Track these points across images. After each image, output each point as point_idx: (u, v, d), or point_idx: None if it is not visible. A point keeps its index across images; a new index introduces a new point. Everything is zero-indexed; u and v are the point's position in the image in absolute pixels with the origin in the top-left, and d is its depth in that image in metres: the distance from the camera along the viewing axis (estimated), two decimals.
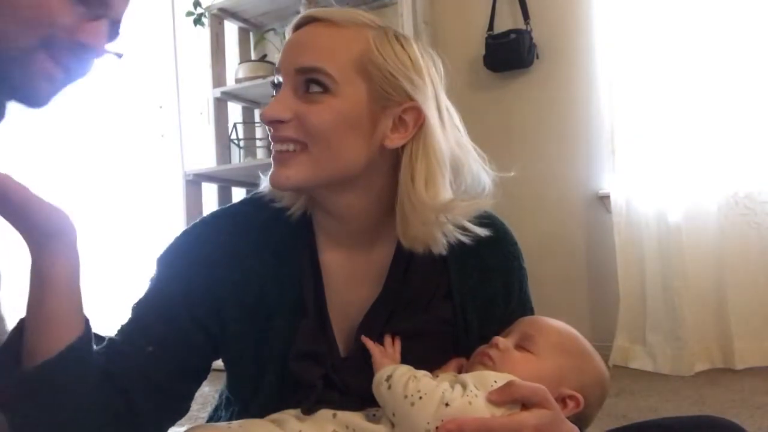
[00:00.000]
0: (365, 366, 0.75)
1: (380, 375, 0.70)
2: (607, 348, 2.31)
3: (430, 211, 0.71)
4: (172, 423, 0.77)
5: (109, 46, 0.68)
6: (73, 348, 0.63)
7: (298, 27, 0.74)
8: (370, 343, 0.76)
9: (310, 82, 0.69)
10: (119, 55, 0.70)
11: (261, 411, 0.75)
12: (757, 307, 2.18)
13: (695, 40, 2.26)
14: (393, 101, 0.71)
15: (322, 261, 0.80)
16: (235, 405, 0.83)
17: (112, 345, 0.72)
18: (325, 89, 0.69)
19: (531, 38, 2.53)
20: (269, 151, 2.93)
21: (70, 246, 0.64)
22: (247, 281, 0.76)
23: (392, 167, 0.74)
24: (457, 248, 0.79)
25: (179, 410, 0.77)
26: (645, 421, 0.76)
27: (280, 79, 0.72)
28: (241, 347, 0.77)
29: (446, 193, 0.72)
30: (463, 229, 0.76)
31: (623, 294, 2.33)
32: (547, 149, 2.56)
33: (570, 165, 2.54)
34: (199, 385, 0.79)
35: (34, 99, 0.67)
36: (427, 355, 0.77)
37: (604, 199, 2.45)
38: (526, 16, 2.56)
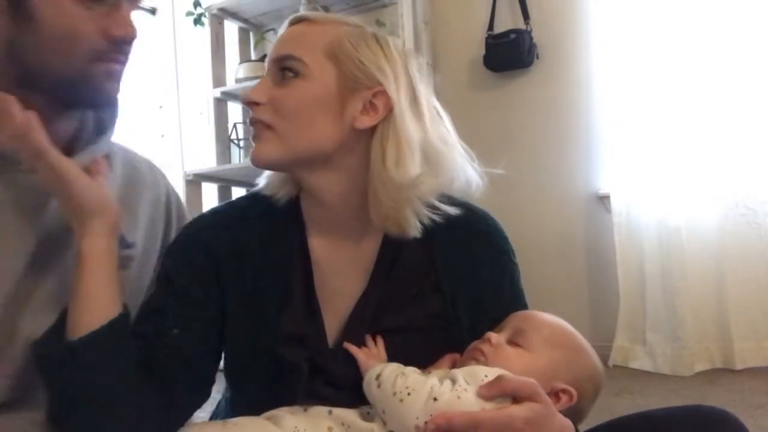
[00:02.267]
0: (352, 358, 0.76)
1: (370, 375, 0.71)
2: (607, 348, 2.31)
3: (399, 188, 0.74)
4: (198, 406, 0.81)
5: (141, 6, 0.77)
6: (112, 326, 0.70)
7: (286, 29, 0.82)
8: (353, 349, 0.77)
9: (284, 69, 0.76)
10: (153, 11, 0.79)
11: (254, 399, 0.77)
12: (757, 308, 2.18)
13: (694, 40, 2.26)
14: (362, 85, 0.75)
15: (311, 250, 0.82)
16: (229, 392, 0.85)
17: (138, 332, 0.76)
18: (297, 73, 0.75)
19: (531, 38, 2.53)
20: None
21: (109, 227, 0.73)
22: (244, 270, 0.80)
23: (365, 151, 0.77)
24: (445, 241, 0.81)
25: (204, 392, 0.81)
26: (633, 414, 0.76)
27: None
28: (237, 333, 0.79)
29: (415, 171, 0.75)
30: (434, 208, 0.78)
31: (623, 294, 2.33)
32: (547, 149, 2.56)
33: (570, 165, 2.54)
34: (218, 365, 0.82)
35: (107, 100, 0.78)
36: (419, 351, 0.78)
37: (604, 199, 2.45)
38: (526, 16, 2.56)
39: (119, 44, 0.75)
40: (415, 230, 0.77)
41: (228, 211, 0.87)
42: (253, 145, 0.79)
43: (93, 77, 0.74)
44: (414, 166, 0.75)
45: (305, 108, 0.75)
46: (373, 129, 0.76)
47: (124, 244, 0.82)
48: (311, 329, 0.79)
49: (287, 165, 0.78)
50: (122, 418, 0.70)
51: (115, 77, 0.77)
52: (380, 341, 0.79)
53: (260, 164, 0.79)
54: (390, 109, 0.75)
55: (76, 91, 0.75)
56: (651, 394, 1.94)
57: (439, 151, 0.78)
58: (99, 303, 0.71)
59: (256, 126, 0.78)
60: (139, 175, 0.91)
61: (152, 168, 0.97)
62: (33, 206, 0.75)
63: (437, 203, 0.78)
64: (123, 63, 0.78)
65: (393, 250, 0.81)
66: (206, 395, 0.82)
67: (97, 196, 0.73)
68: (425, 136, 0.77)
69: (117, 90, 0.78)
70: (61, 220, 0.76)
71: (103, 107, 0.81)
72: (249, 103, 0.77)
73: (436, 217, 0.78)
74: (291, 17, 0.82)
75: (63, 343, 0.69)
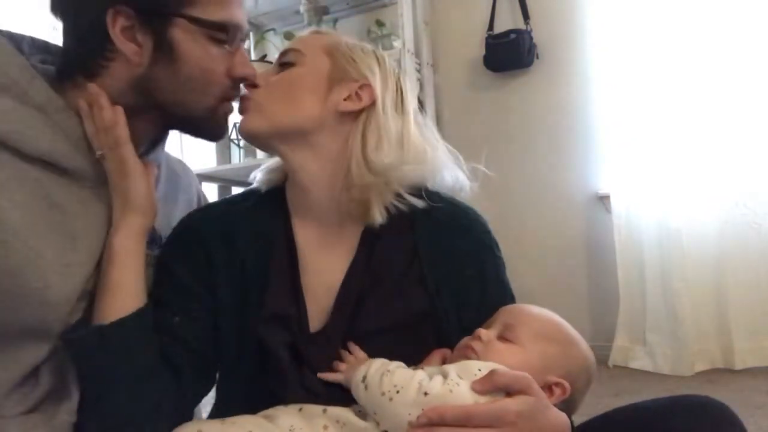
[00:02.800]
0: (333, 345, 0.79)
1: (356, 378, 0.71)
2: (607, 348, 2.31)
3: (372, 172, 0.79)
4: (206, 392, 0.85)
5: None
6: (139, 315, 0.75)
7: None
8: (331, 376, 0.78)
9: (283, 63, 0.84)
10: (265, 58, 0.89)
11: (243, 392, 0.80)
12: (757, 308, 2.18)
13: (694, 40, 2.25)
14: (351, 78, 0.82)
15: (296, 236, 0.85)
16: (220, 383, 0.87)
17: None
18: (293, 63, 0.83)
19: (531, 38, 2.53)
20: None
21: (145, 228, 0.79)
22: (232, 257, 0.83)
23: (346, 137, 0.82)
24: (428, 235, 0.84)
25: (210, 378, 0.85)
26: (627, 405, 0.76)
27: None
28: (225, 320, 0.82)
29: (392, 158, 0.80)
30: (400, 197, 0.82)
31: (623, 294, 2.33)
32: (547, 149, 2.56)
33: (570, 165, 2.54)
34: (221, 355, 0.83)
35: (222, 134, 0.86)
36: (405, 349, 0.78)
37: (604, 199, 2.45)
38: (526, 16, 2.56)
39: (239, 83, 0.82)
40: (379, 217, 0.80)
41: (222, 205, 0.93)
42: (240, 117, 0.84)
43: (218, 115, 0.82)
44: (390, 154, 0.80)
45: (292, 86, 0.81)
46: (356, 118, 0.82)
47: (160, 243, 0.87)
48: (293, 310, 0.81)
49: (270, 136, 0.82)
50: (145, 400, 0.74)
51: (230, 114, 0.85)
52: (356, 348, 0.80)
53: (245, 134, 0.83)
54: (373, 102, 0.82)
55: (200, 126, 0.82)
56: (651, 394, 1.93)
57: (417, 146, 0.83)
58: (128, 294, 0.75)
59: (243, 99, 0.83)
60: (176, 177, 0.96)
61: (185, 169, 1.03)
62: (102, 216, 0.79)
63: (405, 194, 0.82)
64: (236, 100, 0.84)
65: (372, 241, 0.83)
66: (212, 381, 0.85)
67: (145, 196, 0.78)
68: (405, 131, 0.83)
69: (227, 126, 0.86)
70: None
71: (209, 139, 0.88)
72: (249, 86, 0.83)
73: (402, 207, 0.82)
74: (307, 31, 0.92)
75: (93, 327, 0.73)
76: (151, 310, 0.78)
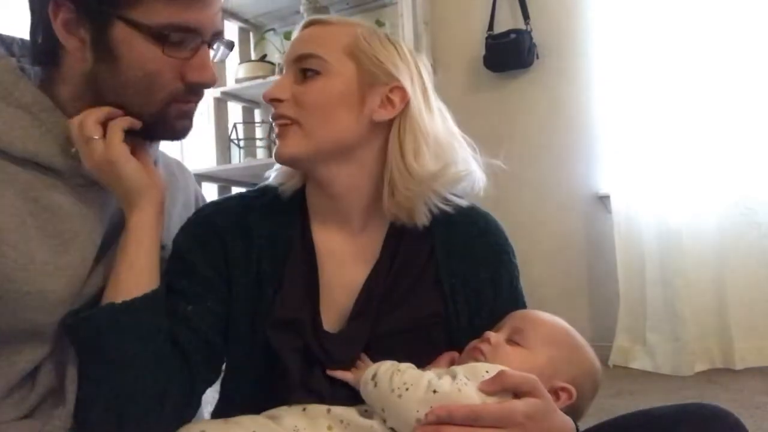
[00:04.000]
0: (355, 346, 0.79)
1: (365, 376, 0.71)
2: (607, 348, 2.31)
3: (419, 181, 0.78)
4: (213, 381, 0.83)
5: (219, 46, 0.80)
6: (151, 296, 0.74)
7: (299, 31, 0.84)
8: (340, 374, 0.78)
9: (305, 69, 0.79)
10: (230, 46, 0.81)
11: (250, 393, 0.80)
12: (757, 307, 2.18)
13: (694, 40, 2.25)
14: (380, 81, 0.79)
15: (314, 239, 0.84)
16: (225, 381, 0.86)
17: None
18: (318, 71, 0.78)
19: (531, 38, 2.53)
20: (270, 151, 2.91)
21: (156, 202, 0.77)
22: (249, 255, 0.82)
23: (382, 146, 0.81)
24: (446, 238, 0.84)
25: (218, 369, 0.83)
26: (633, 412, 0.76)
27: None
28: (237, 318, 0.81)
29: (434, 165, 0.79)
30: (446, 200, 0.82)
31: (623, 294, 2.33)
32: (548, 149, 2.56)
33: (570, 165, 2.53)
34: (230, 351, 0.83)
35: (179, 136, 0.80)
36: (418, 350, 0.78)
37: (604, 199, 2.45)
38: (526, 16, 2.56)
39: (196, 88, 0.77)
40: (425, 219, 0.81)
41: (237, 199, 0.90)
42: (277, 142, 0.81)
43: (168, 117, 0.77)
44: (432, 160, 0.79)
45: (328, 103, 0.78)
46: (389, 123, 0.80)
47: (162, 244, 0.84)
48: (306, 314, 0.80)
49: (311, 159, 0.80)
50: (153, 384, 0.73)
51: (189, 116, 0.80)
52: (365, 357, 0.80)
53: (285, 160, 0.81)
54: (406, 104, 0.80)
55: (150, 128, 0.78)
56: (651, 394, 1.94)
57: (451, 146, 0.83)
58: (141, 273, 0.75)
59: (281, 122, 0.80)
60: (173, 177, 0.94)
61: (182, 169, 1.00)
62: (95, 216, 0.78)
63: (449, 196, 0.82)
64: (197, 102, 0.81)
65: (396, 243, 0.84)
66: (219, 372, 0.84)
67: (140, 175, 0.75)
68: (437, 131, 0.82)
69: (189, 127, 0.81)
70: (113, 231, 0.79)
71: (170, 139, 0.84)
72: (272, 100, 0.80)
73: (447, 208, 0.82)
74: (304, 21, 0.85)
75: (104, 306, 0.72)
76: (164, 294, 0.77)
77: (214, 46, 0.79)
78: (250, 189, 0.93)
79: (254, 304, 0.80)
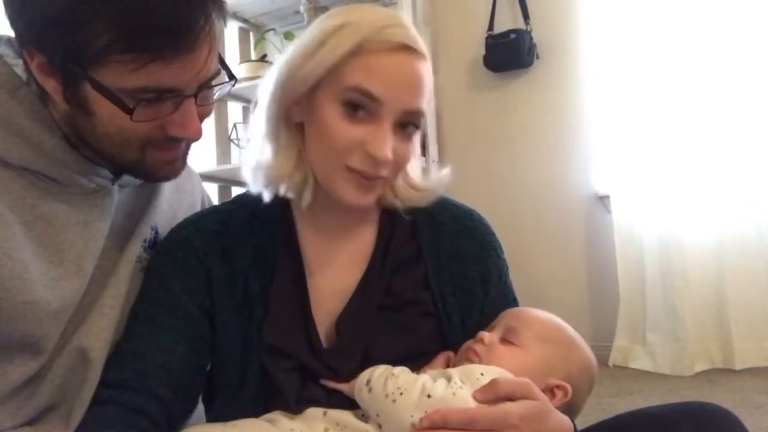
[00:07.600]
0: (352, 353, 0.77)
1: (359, 382, 0.71)
2: (607, 348, 2.31)
3: (419, 190, 0.82)
4: (189, 418, 0.81)
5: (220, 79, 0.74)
6: None
7: (392, 50, 0.71)
8: (334, 384, 0.76)
9: (410, 123, 0.74)
10: (233, 80, 0.76)
11: (242, 408, 0.76)
12: (757, 307, 2.18)
13: (694, 40, 2.25)
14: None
15: (302, 249, 0.82)
16: (219, 408, 0.82)
17: (128, 351, 0.76)
18: (418, 127, 0.76)
19: (531, 38, 2.53)
20: None
21: None
22: (234, 274, 0.80)
23: None
24: (433, 238, 0.84)
25: (195, 404, 0.82)
26: (630, 411, 0.76)
27: (370, 100, 0.71)
28: (229, 340, 0.79)
29: (433, 178, 0.84)
30: (415, 187, 0.83)
31: (623, 294, 2.33)
32: (548, 149, 2.56)
33: (570, 165, 2.53)
34: (204, 378, 0.82)
35: (165, 178, 0.79)
36: (412, 351, 0.78)
37: (604, 199, 2.45)
38: (526, 16, 2.56)
39: (174, 139, 0.72)
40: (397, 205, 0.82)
41: (215, 215, 0.85)
42: (355, 187, 0.74)
43: (146, 165, 0.73)
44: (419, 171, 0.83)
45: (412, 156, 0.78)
46: None
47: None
48: (299, 334, 0.78)
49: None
50: None
51: (172, 162, 0.76)
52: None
53: (362, 208, 0.79)
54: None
55: (134, 173, 0.76)
56: (651, 394, 1.94)
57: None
58: None
59: (377, 181, 0.74)
60: (181, 180, 0.91)
61: (189, 173, 0.98)
62: (94, 225, 0.76)
63: (418, 182, 0.84)
64: (184, 147, 0.76)
65: (385, 245, 0.83)
66: (195, 405, 0.83)
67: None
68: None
69: (179, 169, 0.78)
70: (115, 238, 0.78)
71: (157, 181, 0.81)
72: (381, 162, 0.72)
73: (433, 207, 0.85)
74: (398, 41, 0.71)
75: None
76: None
77: (208, 93, 0.73)
78: (225, 202, 0.89)
79: (244, 326, 0.78)
